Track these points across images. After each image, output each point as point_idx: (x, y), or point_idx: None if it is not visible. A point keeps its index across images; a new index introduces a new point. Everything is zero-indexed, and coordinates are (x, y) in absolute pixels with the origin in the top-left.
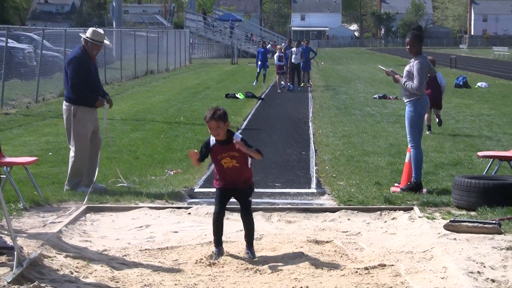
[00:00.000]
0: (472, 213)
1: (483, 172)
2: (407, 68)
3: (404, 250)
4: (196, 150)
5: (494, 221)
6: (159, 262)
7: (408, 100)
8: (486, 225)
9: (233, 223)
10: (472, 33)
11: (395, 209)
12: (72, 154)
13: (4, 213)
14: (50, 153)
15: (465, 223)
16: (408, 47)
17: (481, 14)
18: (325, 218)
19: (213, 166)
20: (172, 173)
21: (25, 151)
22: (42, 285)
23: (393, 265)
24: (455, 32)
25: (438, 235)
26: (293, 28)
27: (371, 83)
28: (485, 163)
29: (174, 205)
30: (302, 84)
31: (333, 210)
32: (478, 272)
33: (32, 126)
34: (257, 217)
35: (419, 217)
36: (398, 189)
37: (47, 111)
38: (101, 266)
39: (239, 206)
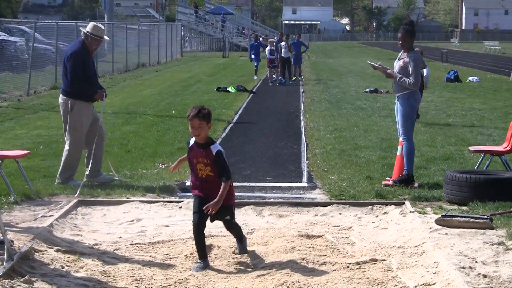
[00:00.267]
0: (464, 208)
1: (475, 167)
2: (401, 63)
3: (395, 245)
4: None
5: (485, 216)
6: (150, 256)
7: (401, 93)
8: (477, 220)
9: None
10: (463, 27)
11: (386, 204)
12: (66, 147)
13: None
14: (42, 147)
15: (456, 218)
16: (400, 42)
17: (472, 8)
18: (317, 212)
19: None
20: (163, 166)
21: (16, 144)
22: (33, 279)
23: (384, 260)
24: (446, 26)
25: (429, 230)
26: (284, 22)
27: (362, 77)
28: (476, 158)
29: (165, 199)
30: (294, 78)
31: (324, 205)
32: (470, 267)
33: (23, 119)
34: (249, 211)
35: (410, 211)
36: (390, 181)
37: (39, 104)
38: (92, 260)
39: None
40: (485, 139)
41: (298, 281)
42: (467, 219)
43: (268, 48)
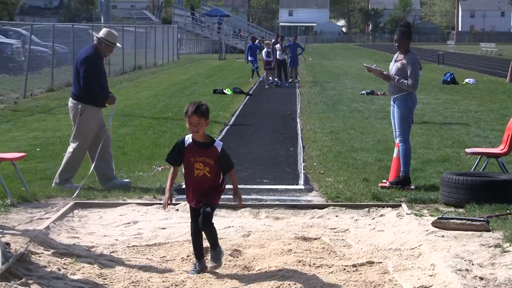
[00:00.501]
0: (460, 210)
1: (471, 169)
2: (398, 65)
3: (392, 247)
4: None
5: (482, 218)
6: (147, 258)
7: (398, 95)
8: (474, 223)
9: (220, 220)
10: (460, 29)
11: (383, 206)
12: (70, 149)
13: None
14: (38, 149)
15: (453, 220)
16: (396, 44)
17: (468, 10)
18: (313, 214)
19: None
20: (160, 169)
21: (13, 147)
22: (30, 281)
23: (381, 262)
24: (442, 28)
25: (426, 232)
26: (281, 24)
27: (358, 79)
28: (473, 160)
29: (162, 202)
30: (290, 80)
31: (321, 207)
32: (467, 269)
33: (20, 121)
34: (245, 213)
35: (407, 214)
36: (387, 183)
37: (35, 106)
38: (89, 262)
39: (227, 202)
40: (481, 141)
41: (295, 284)
42: (464, 221)
43: (265, 50)
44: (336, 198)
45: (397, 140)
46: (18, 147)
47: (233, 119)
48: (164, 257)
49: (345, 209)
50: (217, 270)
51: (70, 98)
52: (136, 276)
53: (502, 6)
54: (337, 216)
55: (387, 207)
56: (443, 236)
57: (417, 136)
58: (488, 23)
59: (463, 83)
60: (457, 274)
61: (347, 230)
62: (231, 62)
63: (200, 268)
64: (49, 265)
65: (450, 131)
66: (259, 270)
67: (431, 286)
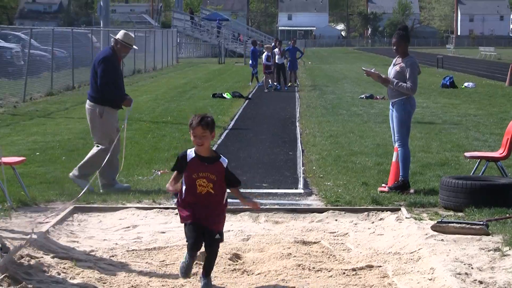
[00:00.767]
0: (460, 214)
1: (470, 173)
2: (397, 69)
3: (391, 251)
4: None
5: (481, 222)
6: (146, 263)
7: (397, 99)
8: (473, 226)
9: None
10: (459, 33)
11: (382, 210)
12: (97, 148)
13: None
14: (38, 153)
15: (452, 224)
16: (394, 47)
17: (467, 14)
18: (313, 218)
19: None
20: (159, 173)
21: (12, 151)
22: (29, 286)
23: (380, 266)
24: (441, 32)
25: (425, 236)
26: (280, 28)
27: (358, 83)
28: (472, 164)
29: (161, 206)
30: (289, 84)
31: (320, 211)
32: (466, 273)
33: (19, 125)
34: (244, 217)
35: (406, 217)
36: (386, 188)
37: (35, 110)
38: (88, 267)
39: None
40: (480, 145)
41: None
42: (463, 225)
43: (265, 54)
44: (335, 202)
45: (396, 145)
46: (17, 151)
47: (232, 123)
48: (163, 261)
49: (345, 213)
50: (216, 274)
51: (87, 100)
52: (135, 280)
53: (501, 10)
54: (336, 220)
55: (387, 211)
56: (442, 240)
57: (416, 140)
58: (487, 27)
59: (462, 87)
60: (456, 278)
61: (347, 234)
62: (230, 66)
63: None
64: (48, 269)
65: (449, 135)
66: (258, 274)
67: None
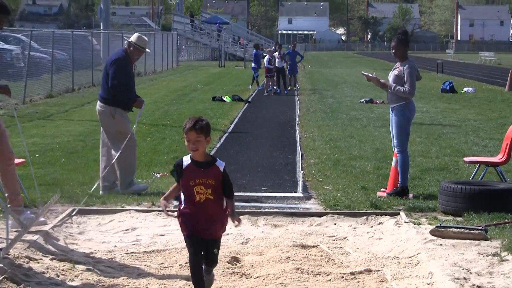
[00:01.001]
0: (459, 218)
1: (470, 178)
2: (395, 72)
3: (390, 256)
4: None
5: (480, 227)
6: (145, 265)
7: (396, 105)
8: (472, 231)
9: None
10: (459, 38)
11: (381, 214)
12: (117, 154)
13: None
14: (37, 155)
15: (451, 229)
16: (393, 51)
17: (467, 19)
18: (312, 222)
19: None
20: (158, 176)
21: None
22: (28, 287)
23: (379, 270)
24: (441, 37)
25: (424, 241)
26: (280, 32)
27: (357, 87)
28: (471, 169)
29: (160, 208)
30: (289, 88)
31: (319, 215)
32: (464, 278)
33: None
34: (244, 221)
35: (405, 222)
36: (385, 194)
37: (34, 112)
38: (87, 269)
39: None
40: (480, 150)
41: None
42: (462, 230)
43: (267, 57)
44: (334, 206)
45: (395, 150)
46: (17, 153)
47: (232, 126)
48: (162, 263)
49: (344, 217)
50: (215, 277)
51: (98, 102)
52: (134, 282)
53: (501, 16)
54: (335, 224)
55: (386, 215)
56: (441, 244)
57: (415, 145)
58: (487, 32)
59: (462, 92)
60: (455, 283)
61: (345, 238)
62: (230, 70)
63: None
64: (47, 271)
65: (448, 139)
66: (257, 277)
67: None
